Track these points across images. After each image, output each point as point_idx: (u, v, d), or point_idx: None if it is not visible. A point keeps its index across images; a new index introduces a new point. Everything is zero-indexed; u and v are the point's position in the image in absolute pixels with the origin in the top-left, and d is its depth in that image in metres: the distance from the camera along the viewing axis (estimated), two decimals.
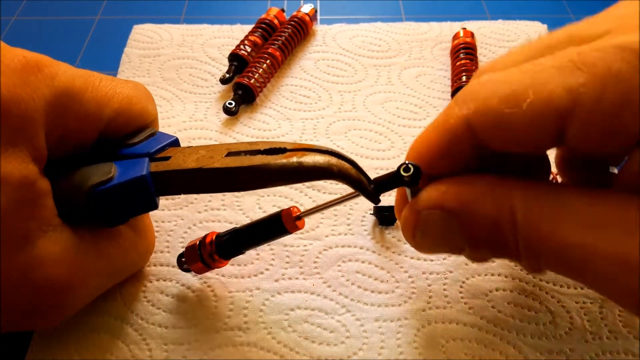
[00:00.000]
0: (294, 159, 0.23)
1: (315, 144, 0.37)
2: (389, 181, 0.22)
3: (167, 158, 0.25)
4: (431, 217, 0.21)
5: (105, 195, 0.24)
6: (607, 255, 0.17)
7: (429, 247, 0.23)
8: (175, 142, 0.27)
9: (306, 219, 0.26)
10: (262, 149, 0.24)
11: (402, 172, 0.21)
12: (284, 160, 0.23)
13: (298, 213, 0.25)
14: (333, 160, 0.23)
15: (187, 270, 0.29)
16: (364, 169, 0.24)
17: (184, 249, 0.28)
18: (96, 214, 0.24)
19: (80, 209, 0.24)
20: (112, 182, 0.24)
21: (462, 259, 0.31)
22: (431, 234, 0.22)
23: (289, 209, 0.26)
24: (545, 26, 0.46)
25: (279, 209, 0.33)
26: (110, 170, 0.24)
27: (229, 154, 0.24)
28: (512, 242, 0.19)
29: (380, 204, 0.32)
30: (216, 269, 0.29)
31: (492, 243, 0.19)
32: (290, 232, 0.26)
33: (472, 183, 0.20)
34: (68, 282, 0.23)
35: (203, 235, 0.28)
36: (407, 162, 0.22)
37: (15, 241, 0.21)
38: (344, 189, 0.34)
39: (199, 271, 0.28)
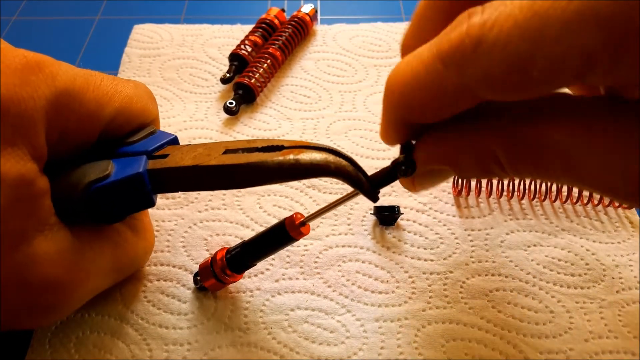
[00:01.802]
0: (291, 157, 0.22)
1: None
2: (385, 177, 0.22)
3: (165, 156, 0.25)
4: (425, 173, 0.22)
5: (102, 192, 0.24)
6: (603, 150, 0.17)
7: (425, 189, 0.25)
8: (174, 141, 0.27)
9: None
10: (259, 146, 0.24)
11: (397, 167, 0.22)
12: (281, 158, 0.22)
13: (301, 219, 0.25)
14: (330, 157, 0.22)
15: (203, 289, 0.29)
16: (364, 169, 0.23)
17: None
18: (93, 211, 0.24)
19: (77, 206, 0.24)
20: (109, 180, 0.24)
21: (462, 259, 0.31)
22: (428, 182, 0.23)
23: (291, 216, 0.25)
24: None
25: (279, 209, 0.33)
26: (107, 167, 0.24)
27: (227, 152, 0.24)
28: (501, 174, 0.20)
29: (380, 204, 0.33)
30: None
31: (482, 176, 0.21)
32: (296, 239, 0.26)
33: (453, 141, 0.21)
34: (64, 281, 0.23)
35: (215, 252, 0.28)
36: (401, 158, 0.22)
37: (11, 239, 0.21)
38: (345, 188, 0.34)
39: (214, 288, 0.29)
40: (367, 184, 0.23)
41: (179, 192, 0.34)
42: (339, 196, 0.25)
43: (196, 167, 0.24)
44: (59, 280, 0.23)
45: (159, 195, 0.34)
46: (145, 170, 0.24)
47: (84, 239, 0.24)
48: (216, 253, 0.28)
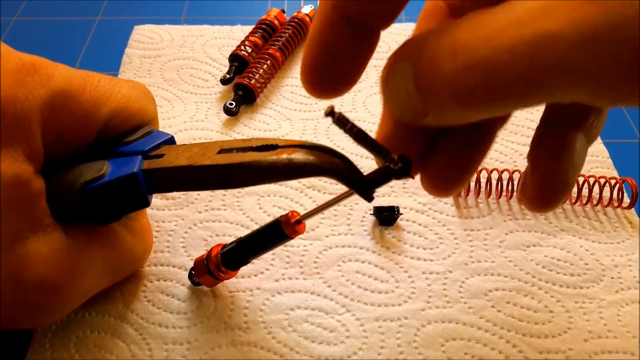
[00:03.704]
0: (284, 156, 0.22)
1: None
2: (380, 176, 0.22)
3: (161, 156, 0.25)
4: (394, 70, 0.18)
5: (97, 193, 0.24)
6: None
7: (394, 105, 0.18)
8: (171, 140, 0.27)
9: (306, 221, 0.26)
10: (254, 145, 0.24)
11: (391, 166, 0.21)
12: (274, 157, 0.22)
13: (297, 217, 0.25)
14: (324, 157, 0.22)
15: (197, 284, 0.29)
16: (365, 170, 0.23)
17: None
18: (88, 211, 0.24)
19: (73, 206, 0.24)
20: (103, 180, 0.24)
21: (461, 259, 0.31)
22: (394, 90, 0.18)
23: (287, 214, 0.25)
24: None
25: (279, 209, 0.33)
26: (102, 167, 0.24)
27: (221, 151, 0.24)
28: (451, 74, 0.15)
29: (379, 205, 0.33)
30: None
31: (434, 91, 0.16)
32: (291, 238, 0.26)
33: (432, 31, 0.17)
34: (58, 281, 0.23)
35: (211, 247, 0.28)
36: (396, 155, 0.21)
37: (5, 240, 0.21)
38: (344, 188, 0.34)
39: (209, 284, 0.29)
40: (361, 184, 0.23)
41: (179, 193, 0.34)
42: (338, 194, 0.25)
43: (190, 167, 0.24)
44: (52, 280, 0.23)
45: (159, 196, 0.34)
46: (140, 170, 0.24)
47: (79, 240, 0.24)
48: (212, 249, 0.28)
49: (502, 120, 0.22)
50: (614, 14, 0.12)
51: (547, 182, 0.21)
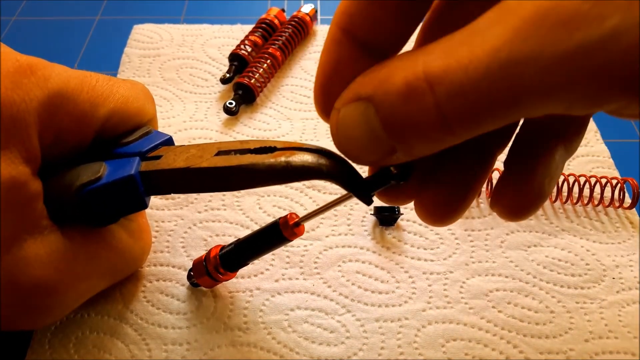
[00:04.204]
0: (282, 159, 0.22)
1: (315, 144, 0.37)
2: (379, 179, 0.21)
3: (159, 157, 0.25)
4: (350, 112, 0.17)
5: (94, 195, 0.24)
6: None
7: (355, 152, 0.18)
8: (169, 141, 0.27)
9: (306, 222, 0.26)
10: (252, 147, 0.23)
11: (391, 169, 0.21)
12: (272, 160, 0.22)
13: (296, 220, 0.25)
14: (323, 160, 0.22)
15: (196, 285, 0.29)
16: (363, 172, 0.23)
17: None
18: (86, 213, 0.24)
19: (70, 208, 0.24)
20: (101, 182, 0.24)
21: (462, 259, 0.31)
22: (353, 134, 0.17)
23: (285, 217, 0.25)
24: None
25: (279, 209, 0.33)
26: (100, 169, 0.24)
27: (219, 153, 0.24)
28: (434, 106, 0.15)
29: (380, 205, 0.33)
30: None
31: (414, 124, 0.15)
32: (290, 240, 0.26)
33: (389, 61, 0.16)
34: (55, 283, 0.23)
35: (209, 248, 0.28)
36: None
37: (2, 242, 0.21)
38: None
39: (208, 285, 0.29)
40: (359, 187, 0.22)
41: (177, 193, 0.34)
42: (338, 197, 0.25)
43: (187, 170, 0.23)
44: (50, 282, 0.23)
45: (158, 196, 0.34)
46: (137, 172, 0.24)
47: (76, 242, 0.24)
48: (210, 250, 0.28)
49: (502, 145, 0.22)
50: (582, 38, 0.13)
51: (522, 191, 0.20)
